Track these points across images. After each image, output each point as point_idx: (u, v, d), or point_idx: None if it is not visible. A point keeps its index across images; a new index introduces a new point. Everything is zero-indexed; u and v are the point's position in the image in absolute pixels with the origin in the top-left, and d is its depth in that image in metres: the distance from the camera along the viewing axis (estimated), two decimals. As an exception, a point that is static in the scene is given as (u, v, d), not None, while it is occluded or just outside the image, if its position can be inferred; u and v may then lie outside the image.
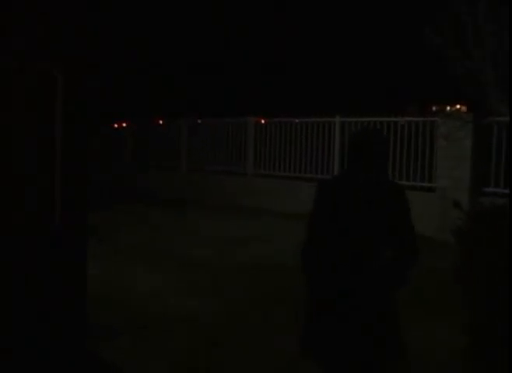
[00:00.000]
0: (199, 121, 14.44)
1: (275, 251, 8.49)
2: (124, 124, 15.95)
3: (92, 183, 4.72)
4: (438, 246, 7.76)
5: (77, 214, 4.46)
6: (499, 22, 7.53)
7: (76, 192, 4.44)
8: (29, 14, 4.13)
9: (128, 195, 13.86)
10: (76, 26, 4.39)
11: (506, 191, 8.53)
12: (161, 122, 15.33)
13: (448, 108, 11.48)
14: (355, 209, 2.99)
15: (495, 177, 9.15)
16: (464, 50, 8.21)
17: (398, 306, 3.14)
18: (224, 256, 8.23)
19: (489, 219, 3.77)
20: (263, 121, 13.01)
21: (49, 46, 4.22)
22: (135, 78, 19.02)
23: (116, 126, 16.28)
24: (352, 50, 19.48)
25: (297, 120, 12.35)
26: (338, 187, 3.12)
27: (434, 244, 8.06)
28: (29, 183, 4.22)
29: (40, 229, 4.27)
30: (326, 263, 3.02)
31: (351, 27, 19.42)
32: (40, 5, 4.20)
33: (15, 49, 4.06)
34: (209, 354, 4.84)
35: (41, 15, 4.19)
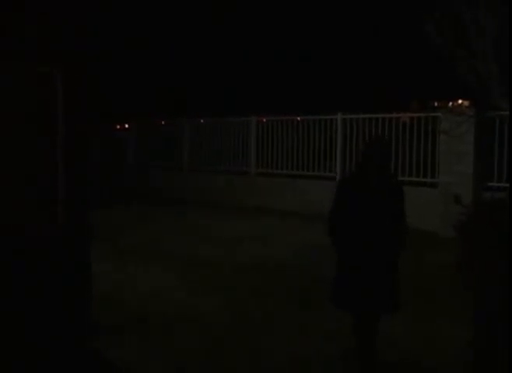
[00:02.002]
0: (201, 121, 14.43)
1: (277, 250, 8.47)
2: (126, 125, 15.95)
3: (93, 183, 4.73)
4: (441, 242, 7.75)
5: (79, 214, 4.47)
6: (499, 20, 7.50)
7: (78, 192, 4.45)
8: (29, 14, 4.13)
9: (129, 195, 13.86)
10: (76, 26, 4.40)
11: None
12: (163, 122, 15.32)
13: (450, 103, 11.44)
14: (369, 198, 4.06)
15: (498, 172, 9.13)
16: (465, 46, 8.17)
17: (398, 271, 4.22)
18: (226, 255, 8.21)
19: (488, 214, 3.77)
20: (265, 120, 12.99)
21: (49, 46, 4.23)
22: (136, 79, 19.02)
23: (118, 126, 16.29)
24: (354, 48, 19.45)
25: (299, 118, 12.34)
26: (358, 180, 4.18)
27: (437, 239, 8.05)
28: (31, 183, 4.23)
29: (43, 229, 4.29)
30: (347, 233, 4.11)
31: (353, 25, 19.39)
32: (40, 6, 4.20)
33: (15, 49, 4.07)
34: (210, 354, 4.84)
35: (41, 16, 4.20)
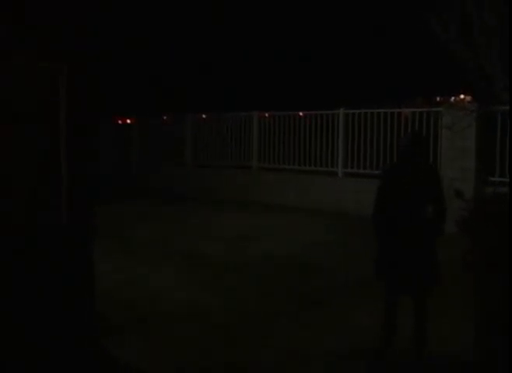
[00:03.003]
0: (204, 116, 14.43)
1: (279, 247, 8.47)
2: (129, 121, 15.94)
3: (96, 180, 4.72)
4: (443, 237, 7.74)
5: (82, 213, 4.48)
6: (502, 17, 7.49)
7: (82, 189, 4.45)
8: (29, 11, 4.13)
9: (132, 191, 13.87)
10: (77, 23, 4.39)
11: (512, 180, 8.49)
12: (165, 118, 15.32)
13: (452, 98, 11.41)
14: (408, 184, 4.49)
15: (500, 166, 9.11)
16: (468, 41, 8.15)
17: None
18: (228, 252, 8.22)
19: (489, 209, 3.78)
20: (267, 115, 12.99)
21: (50, 42, 4.23)
22: (137, 74, 18.99)
23: (120, 122, 16.28)
24: (356, 43, 19.38)
25: (301, 113, 12.33)
26: (397, 170, 4.69)
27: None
28: (35, 182, 4.23)
29: (46, 228, 4.29)
30: (389, 217, 4.51)
31: (355, 19, 19.31)
32: (42, 4, 4.20)
33: (16, 46, 4.06)
34: (210, 351, 4.86)
35: (42, 12, 4.19)
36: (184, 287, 6.59)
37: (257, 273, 7.15)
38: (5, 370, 3.96)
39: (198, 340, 5.05)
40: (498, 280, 3.60)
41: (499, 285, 3.58)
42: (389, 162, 10.42)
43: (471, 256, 3.81)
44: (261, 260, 7.71)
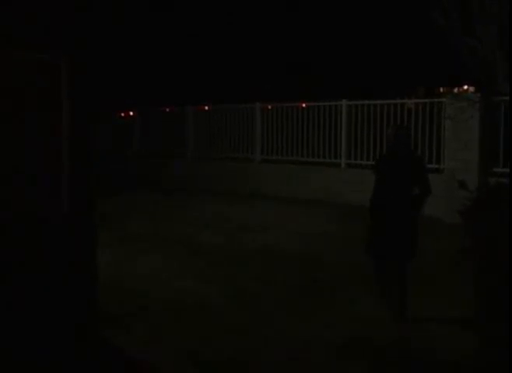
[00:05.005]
0: (206, 108, 14.38)
1: (280, 238, 8.47)
2: (131, 113, 15.90)
3: (97, 171, 4.72)
4: (446, 228, 7.75)
5: (85, 201, 4.49)
6: (505, 7, 7.45)
7: (83, 180, 4.46)
8: (31, 2, 4.12)
9: (134, 183, 13.83)
10: (79, 13, 4.38)
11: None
12: (167, 110, 15.26)
13: (455, 89, 11.39)
14: (395, 169, 5.20)
15: (503, 157, 9.10)
16: (470, 30, 8.11)
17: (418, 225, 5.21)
18: (229, 242, 8.21)
19: (492, 199, 3.77)
20: (270, 106, 12.95)
21: (51, 34, 4.22)
22: (141, 67, 18.97)
23: (122, 114, 16.24)
24: (358, 34, 19.33)
25: (304, 105, 12.30)
26: (386, 159, 5.49)
27: (442, 226, 8.04)
28: (37, 170, 4.24)
29: (48, 217, 4.30)
30: (381, 199, 5.21)
31: (357, 12, 19.25)
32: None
33: (16, 38, 4.05)
34: (211, 340, 4.88)
35: (42, 3, 4.18)
36: (185, 275, 6.61)
37: (259, 262, 7.16)
38: (7, 366, 3.96)
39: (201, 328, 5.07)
40: (499, 269, 3.59)
41: (500, 274, 3.58)
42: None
43: (472, 246, 3.81)
44: (263, 250, 7.72)
